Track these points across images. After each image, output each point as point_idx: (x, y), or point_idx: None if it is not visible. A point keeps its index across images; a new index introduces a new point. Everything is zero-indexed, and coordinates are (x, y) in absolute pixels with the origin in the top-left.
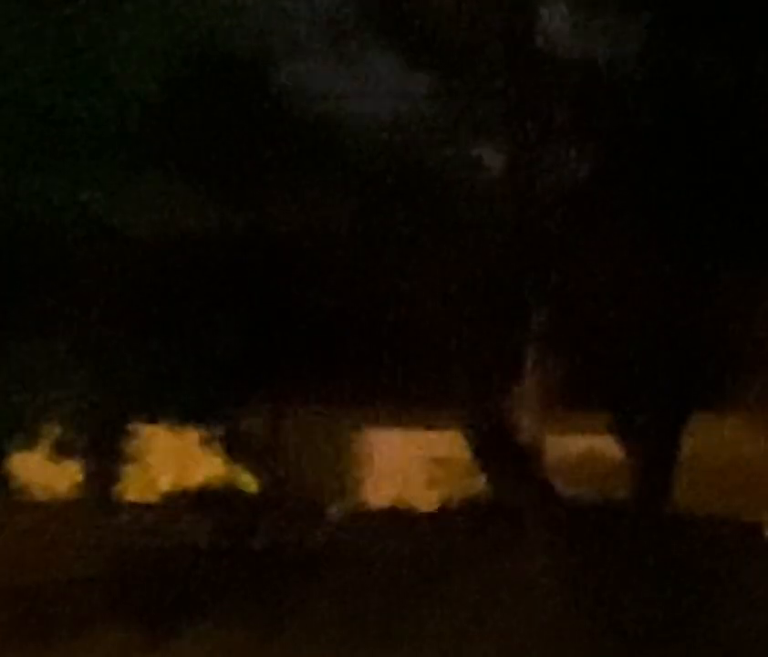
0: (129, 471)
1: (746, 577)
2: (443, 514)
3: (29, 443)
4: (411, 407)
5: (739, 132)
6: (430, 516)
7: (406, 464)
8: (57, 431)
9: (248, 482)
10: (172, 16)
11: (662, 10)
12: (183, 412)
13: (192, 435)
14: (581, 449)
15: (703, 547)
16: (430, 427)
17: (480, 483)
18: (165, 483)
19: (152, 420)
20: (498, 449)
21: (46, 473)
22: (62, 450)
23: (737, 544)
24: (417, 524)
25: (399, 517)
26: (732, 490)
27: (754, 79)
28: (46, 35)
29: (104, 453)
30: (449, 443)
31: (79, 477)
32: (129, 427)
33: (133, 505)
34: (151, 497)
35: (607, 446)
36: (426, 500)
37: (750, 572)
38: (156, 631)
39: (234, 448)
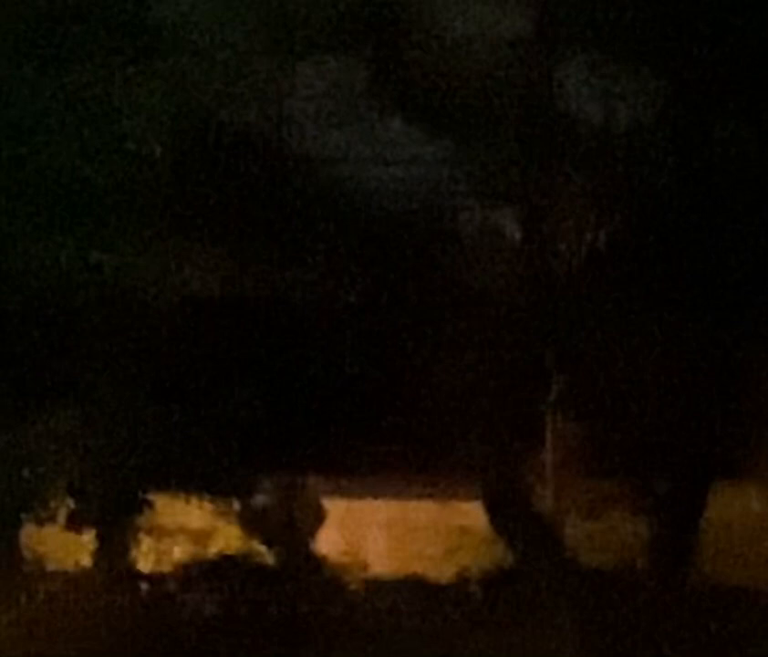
0: (144, 542)
1: None
2: (461, 584)
3: (43, 515)
4: (429, 477)
5: (763, 203)
6: (448, 587)
7: (423, 535)
8: (70, 502)
9: (264, 552)
10: (185, 82)
11: (683, 75)
12: (199, 483)
13: (208, 506)
14: (601, 518)
15: (725, 617)
16: (447, 497)
17: (498, 552)
18: (180, 553)
19: (167, 491)
20: (517, 518)
21: (60, 544)
22: (76, 521)
23: (759, 614)
24: (435, 594)
25: (416, 588)
26: (756, 560)
27: None
28: (57, 99)
29: (118, 524)
30: (466, 513)
31: (94, 548)
32: (144, 498)
33: (148, 576)
34: (166, 568)
35: (627, 515)
36: (444, 570)
37: None
38: None
39: (250, 518)
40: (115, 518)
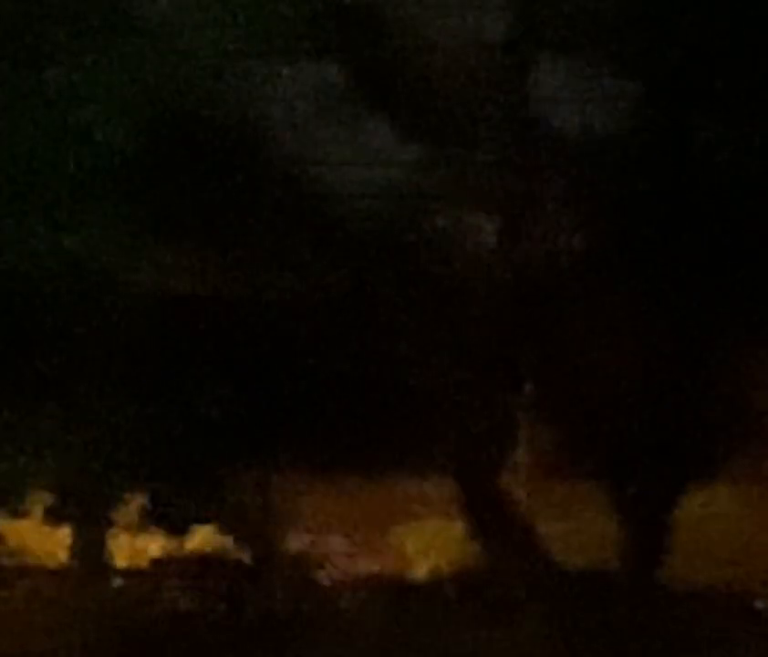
0: (120, 537)
1: (737, 648)
2: (435, 583)
3: (20, 510)
4: (402, 476)
5: (740, 206)
6: (422, 586)
7: (397, 532)
8: (47, 498)
9: (240, 549)
10: (164, 80)
11: (661, 79)
12: (175, 480)
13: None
14: (574, 518)
15: (695, 617)
16: (421, 496)
17: (472, 551)
18: (156, 550)
19: (144, 487)
20: (491, 518)
21: (36, 539)
22: (53, 517)
23: (728, 615)
24: (409, 592)
25: (391, 585)
26: (724, 561)
27: (756, 151)
28: (29, 92)
29: (95, 519)
30: (440, 512)
31: (70, 544)
32: (120, 494)
33: (124, 571)
34: (142, 564)
35: (600, 515)
36: (418, 570)
37: (741, 643)
38: None
39: (227, 515)
40: (92, 514)
